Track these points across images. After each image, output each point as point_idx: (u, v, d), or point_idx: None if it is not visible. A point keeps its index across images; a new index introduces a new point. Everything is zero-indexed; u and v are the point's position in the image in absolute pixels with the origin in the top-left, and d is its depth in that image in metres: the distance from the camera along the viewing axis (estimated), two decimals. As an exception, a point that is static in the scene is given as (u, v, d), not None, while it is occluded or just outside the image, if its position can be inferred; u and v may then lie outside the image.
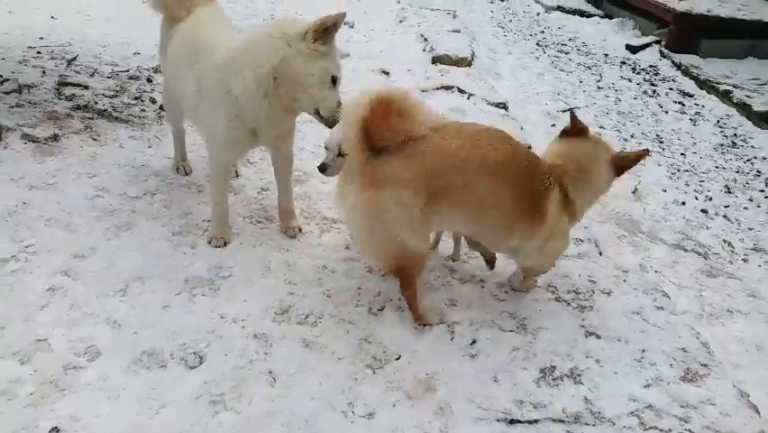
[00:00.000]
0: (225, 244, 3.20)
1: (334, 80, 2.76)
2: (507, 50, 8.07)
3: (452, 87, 5.60)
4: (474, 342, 2.74)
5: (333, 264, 3.19)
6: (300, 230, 3.39)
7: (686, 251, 4.25)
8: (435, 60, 6.37)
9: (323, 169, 2.91)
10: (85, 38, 5.80)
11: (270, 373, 2.51)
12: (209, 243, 3.19)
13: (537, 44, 8.81)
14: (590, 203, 2.86)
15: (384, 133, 2.44)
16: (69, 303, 2.71)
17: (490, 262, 3.19)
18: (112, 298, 2.77)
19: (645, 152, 2.86)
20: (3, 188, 3.32)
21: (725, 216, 4.85)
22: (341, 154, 2.82)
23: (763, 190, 5.38)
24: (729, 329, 3.46)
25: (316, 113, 2.79)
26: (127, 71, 5.23)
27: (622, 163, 2.79)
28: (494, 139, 2.61)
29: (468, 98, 5.43)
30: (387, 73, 6.17)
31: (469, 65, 6.42)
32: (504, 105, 5.45)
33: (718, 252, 4.33)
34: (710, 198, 5.09)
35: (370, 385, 2.51)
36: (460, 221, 2.71)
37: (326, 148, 2.90)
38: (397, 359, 2.65)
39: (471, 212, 2.62)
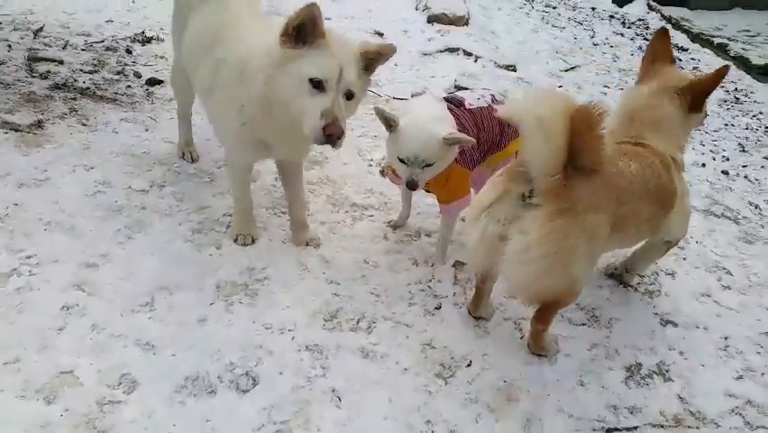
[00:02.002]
0: (253, 241, 2.86)
1: (317, 84, 2.21)
2: (497, 5, 7.68)
3: (457, 48, 5.25)
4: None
5: (375, 258, 2.89)
6: (320, 245, 2.92)
7: (717, 216, 4.08)
8: (432, 20, 5.98)
9: (413, 186, 2.55)
10: (48, 4, 5.20)
11: (334, 391, 2.23)
12: (235, 241, 2.84)
13: (523, -1, 8.44)
14: (682, 147, 2.63)
15: (596, 152, 2.05)
16: (90, 323, 2.34)
17: None
18: (138, 314, 2.42)
19: (725, 69, 2.53)
20: (-13, 188, 2.89)
21: (745, 177, 4.70)
22: (428, 165, 2.50)
23: (776, 148, 5.26)
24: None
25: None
26: (102, 42, 4.71)
27: (692, 94, 2.52)
28: (652, 163, 2.37)
29: (475, 61, 5.10)
30: (381, 34, 5.78)
31: (466, 24, 6.07)
32: (513, 68, 5.15)
33: (747, 215, 4.17)
34: (727, 159, 4.93)
35: (446, 398, 2.26)
36: (613, 245, 2.50)
37: (404, 162, 2.52)
38: (468, 366, 2.39)
39: (628, 235, 2.42)
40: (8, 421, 1.96)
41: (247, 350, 2.33)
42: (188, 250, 2.78)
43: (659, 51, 2.64)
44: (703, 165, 4.77)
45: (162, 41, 4.89)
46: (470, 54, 5.18)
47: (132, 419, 2.04)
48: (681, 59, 6.97)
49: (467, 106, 2.71)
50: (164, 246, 2.77)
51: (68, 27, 4.84)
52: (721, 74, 2.49)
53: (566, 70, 6.03)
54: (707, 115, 2.77)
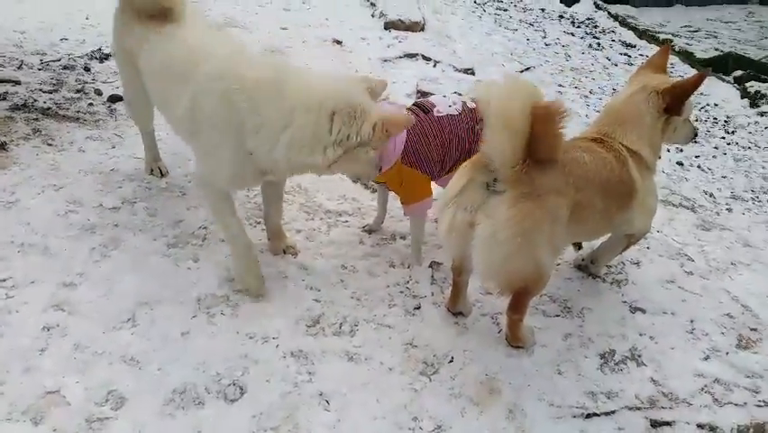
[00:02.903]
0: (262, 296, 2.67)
1: None
2: (450, 10, 7.83)
3: (416, 54, 5.36)
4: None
5: (353, 262, 2.95)
6: (297, 253, 2.96)
7: (675, 206, 4.27)
8: (389, 26, 6.08)
9: None
10: (-3, 24, 5.10)
11: (321, 395, 2.28)
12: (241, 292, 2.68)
13: (475, 2, 8.63)
14: (654, 147, 2.70)
15: (554, 144, 2.16)
16: (73, 342, 2.34)
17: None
18: (120, 331, 2.42)
19: (703, 75, 2.64)
20: (-46, 213, 2.84)
21: (698, 167, 4.94)
22: None
23: (723, 137, 5.53)
24: (738, 282, 3.49)
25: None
26: (58, 60, 4.65)
27: (671, 96, 2.56)
28: (604, 157, 2.47)
29: (434, 66, 5.21)
30: (339, 42, 5.84)
31: (422, 29, 6.18)
32: (472, 71, 5.27)
33: (703, 203, 4.39)
34: (681, 150, 5.16)
35: (431, 394, 2.32)
36: (575, 236, 2.62)
37: None
38: (450, 362, 2.47)
39: (587, 226, 2.49)
40: (-3, 446, 1.95)
41: (232, 360, 2.36)
42: (166, 264, 2.78)
43: (656, 62, 2.77)
44: (659, 157, 4.98)
45: (121, 57, 4.85)
46: (428, 59, 5.29)
47: (123, 435, 2.04)
48: (629, 56, 7.25)
49: (435, 114, 2.75)
50: (141, 262, 2.76)
51: (21, 46, 4.76)
52: (700, 78, 2.59)
53: (522, 71, 6.20)
54: (696, 133, 2.89)
